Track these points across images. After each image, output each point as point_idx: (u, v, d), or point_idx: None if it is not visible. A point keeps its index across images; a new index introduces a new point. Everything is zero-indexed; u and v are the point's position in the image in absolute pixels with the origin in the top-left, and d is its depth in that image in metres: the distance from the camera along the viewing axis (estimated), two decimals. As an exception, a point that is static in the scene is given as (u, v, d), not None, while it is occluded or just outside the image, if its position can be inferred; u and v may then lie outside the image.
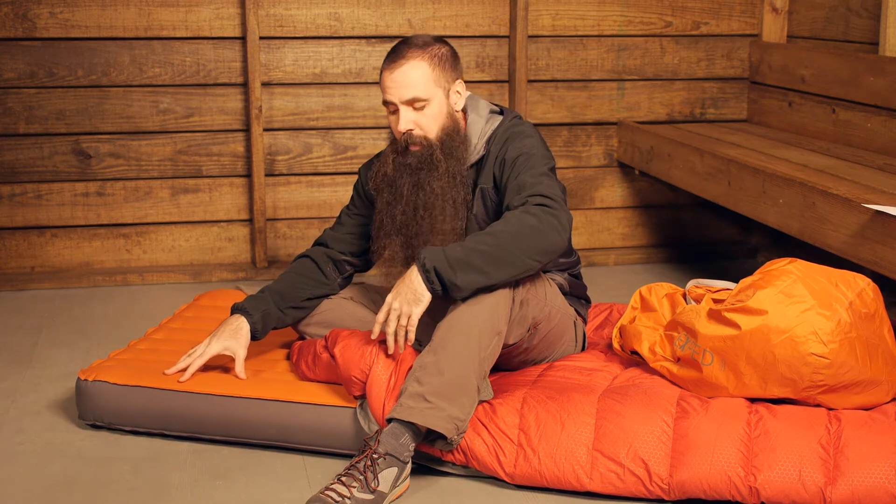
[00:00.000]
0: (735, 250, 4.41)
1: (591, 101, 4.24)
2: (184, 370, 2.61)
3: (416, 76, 2.54)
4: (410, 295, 2.37)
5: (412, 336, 2.40)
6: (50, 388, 2.96)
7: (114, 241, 4.04)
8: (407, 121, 2.56)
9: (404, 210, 2.60)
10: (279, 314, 2.71)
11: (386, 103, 2.60)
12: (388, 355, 2.47)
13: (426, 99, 2.56)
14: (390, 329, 2.40)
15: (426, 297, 2.37)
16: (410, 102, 2.56)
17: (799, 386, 2.37)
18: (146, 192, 4.02)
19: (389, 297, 2.40)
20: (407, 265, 2.57)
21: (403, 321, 2.38)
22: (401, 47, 2.59)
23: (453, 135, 2.60)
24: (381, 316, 2.42)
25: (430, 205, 2.58)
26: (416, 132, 2.57)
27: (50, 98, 3.90)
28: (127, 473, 2.45)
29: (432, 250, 2.38)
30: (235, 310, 2.69)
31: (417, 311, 2.37)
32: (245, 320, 2.66)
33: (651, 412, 2.37)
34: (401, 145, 2.60)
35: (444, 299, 2.39)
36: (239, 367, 2.61)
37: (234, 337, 2.63)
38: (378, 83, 2.74)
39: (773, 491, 2.23)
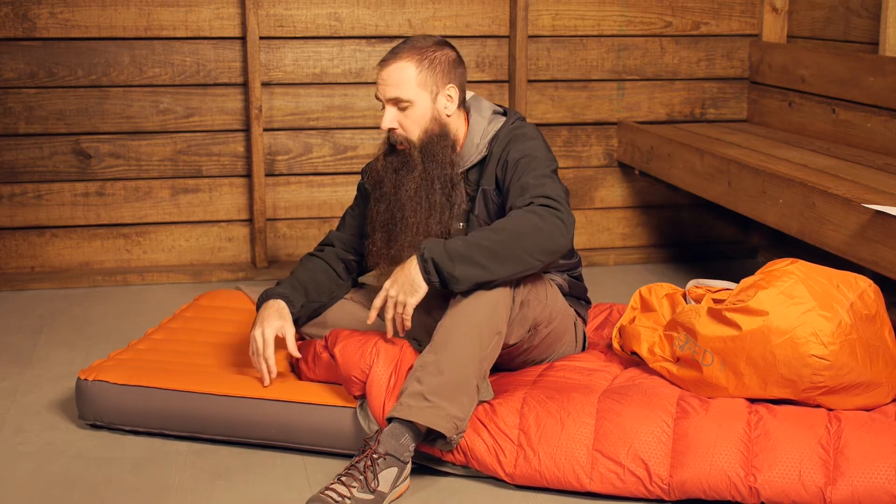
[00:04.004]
0: (735, 250, 4.41)
1: (591, 101, 4.24)
2: (269, 375, 2.57)
3: (400, 77, 2.57)
4: (407, 285, 2.39)
5: (408, 324, 2.41)
6: (50, 388, 2.96)
7: (114, 241, 4.04)
8: (390, 119, 2.61)
9: (387, 207, 2.63)
10: (309, 308, 2.71)
11: (378, 99, 2.65)
12: (386, 341, 2.50)
13: (408, 101, 2.58)
14: (388, 316, 2.43)
15: (422, 288, 2.38)
16: (394, 102, 2.59)
17: (799, 387, 2.37)
18: (146, 192, 4.02)
19: (387, 284, 2.42)
20: (390, 262, 2.59)
21: (399, 309, 2.40)
22: (398, 46, 2.62)
23: (437, 139, 2.61)
24: (377, 301, 2.43)
25: (402, 204, 2.60)
26: (399, 132, 2.61)
27: (50, 98, 3.90)
28: (127, 473, 2.45)
29: (433, 242, 2.39)
30: (271, 296, 2.64)
31: (413, 301, 2.39)
32: (285, 305, 2.62)
33: (651, 412, 2.37)
34: (388, 144, 2.65)
35: (443, 291, 2.39)
36: (291, 345, 2.58)
37: (281, 318, 2.59)
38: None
39: (773, 491, 2.23)
